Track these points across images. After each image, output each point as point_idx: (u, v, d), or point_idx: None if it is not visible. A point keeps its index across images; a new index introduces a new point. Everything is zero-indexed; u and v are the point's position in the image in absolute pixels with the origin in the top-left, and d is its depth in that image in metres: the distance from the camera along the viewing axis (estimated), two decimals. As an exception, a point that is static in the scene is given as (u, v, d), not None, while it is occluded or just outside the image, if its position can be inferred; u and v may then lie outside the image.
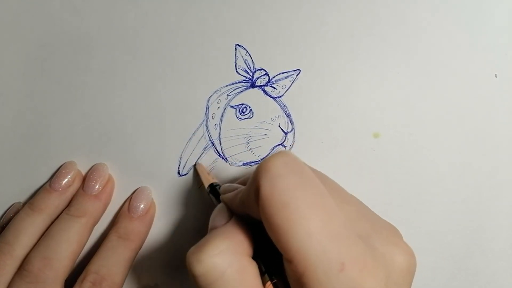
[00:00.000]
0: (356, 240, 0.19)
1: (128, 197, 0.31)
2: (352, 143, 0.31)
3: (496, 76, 0.31)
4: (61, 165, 0.30)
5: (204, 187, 0.29)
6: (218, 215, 0.23)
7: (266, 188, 0.19)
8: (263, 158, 0.31)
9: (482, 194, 0.31)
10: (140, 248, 0.30)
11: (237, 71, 0.31)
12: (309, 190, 0.19)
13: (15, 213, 0.29)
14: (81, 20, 0.31)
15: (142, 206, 0.30)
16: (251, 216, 0.21)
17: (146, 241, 0.30)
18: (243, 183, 0.26)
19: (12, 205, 0.30)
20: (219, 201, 0.25)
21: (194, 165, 0.31)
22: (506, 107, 0.31)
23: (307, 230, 0.18)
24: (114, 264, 0.28)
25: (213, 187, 0.28)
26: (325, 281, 0.18)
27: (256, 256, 0.21)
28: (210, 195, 0.28)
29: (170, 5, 0.31)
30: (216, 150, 0.31)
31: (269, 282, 0.20)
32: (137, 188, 0.31)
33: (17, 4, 0.31)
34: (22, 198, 0.31)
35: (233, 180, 0.31)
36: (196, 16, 0.31)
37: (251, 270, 0.20)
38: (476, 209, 0.31)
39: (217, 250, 0.19)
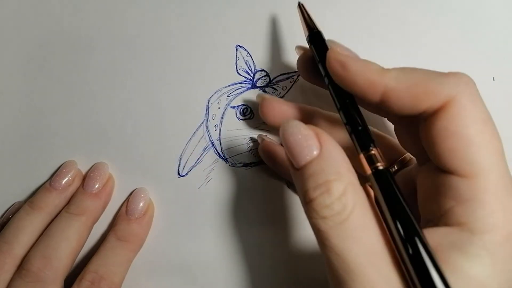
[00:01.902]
0: None
1: (126, 199, 0.31)
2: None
3: (493, 79, 0.31)
4: (62, 164, 0.30)
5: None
6: (304, 141, 0.20)
7: (468, 99, 0.19)
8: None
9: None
10: (139, 249, 0.30)
11: (238, 72, 0.31)
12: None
13: (14, 213, 0.29)
14: (81, 20, 0.31)
15: (139, 207, 0.30)
16: (382, 104, 0.21)
17: (146, 241, 0.30)
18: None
19: (12, 204, 0.30)
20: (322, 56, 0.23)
21: (299, 4, 0.27)
22: (503, 110, 0.31)
23: (498, 149, 0.19)
24: (113, 264, 0.28)
25: (318, 35, 0.25)
26: (502, 198, 0.19)
27: None
28: (312, 45, 0.25)
29: (171, 5, 0.31)
30: (216, 150, 0.31)
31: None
32: (134, 190, 0.31)
33: (17, 4, 0.31)
34: (22, 197, 0.31)
35: (234, 184, 0.31)
36: (197, 17, 0.31)
37: (366, 199, 0.20)
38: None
39: (340, 190, 0.19)
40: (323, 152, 0.20)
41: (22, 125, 0.31)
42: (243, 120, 0.31)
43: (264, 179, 0.31)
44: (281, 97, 0.31)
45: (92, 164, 0.30)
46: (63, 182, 0.29)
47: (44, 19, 0.31)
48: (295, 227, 0.30)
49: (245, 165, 0.31)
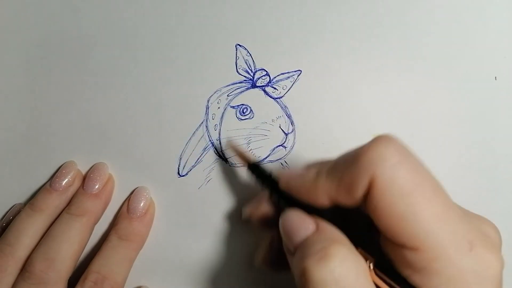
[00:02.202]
0: (471, 221, 0.19)
1: (127, 198, 0.31)
2: (353, 144, 0.31)
3: (495, 79, 0.31)
4: (61, 165, 0.30)
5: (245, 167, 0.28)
6: (300, 222, 0.21)
7: (385, 178, 0.18)
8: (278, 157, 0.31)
9: (481, 196, 0.31)
10: (141, 248, 0.30)
11: (237, 71, 0.31)
12: (427, 176, 0.19)
13: (15, 215, 0.29)
14: (81, 19, 0.31)
15: (140, 206, 0.30)
16: (333, 202, 0.21)
17: (146, 241, 0.30)
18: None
19: (13, 206, 0.30)
20: (267, 183, 0.24)
21: (228, 142, 0.29)
22: (505, 109, 0.31)
23: (435, 213, 0.18)
24: (115, 263, 0.28)
25: (256, 167, 0.26)
26: (458, 261, 0.18)
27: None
28: (253, 175, 0.26)
29: (171, 5, 0.31)
30: (216, 150, 0.31)
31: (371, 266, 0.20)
32: (135, 189, 0.31)
33: (17, 3, 0.31)
34: (22, 198, 0.31)
35: (234, 184, 0.31)
36: (196, 16, 0.31)
37: (365, 266, 0.20)
38: (476, 211, 0.31)
39: (341, 255, 0.19)
40: (320, 226, 0.20)
41: (22, 125, 0.31)
42: (243, 120, 0.31)
43: (264, 179, 0.31)
44: (282, 96, 0.31)
45: (92, 164, 0.30)
46: (63, 183, 0.29)
47: (44, 19, 0.31)
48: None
49: (245, 165, 0.31)
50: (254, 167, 0.27)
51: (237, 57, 0.31)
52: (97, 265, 0.28)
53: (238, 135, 0.31)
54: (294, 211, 0.22)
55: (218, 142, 0.31)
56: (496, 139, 0.31)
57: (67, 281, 0.27)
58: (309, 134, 0.31)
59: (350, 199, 0.20)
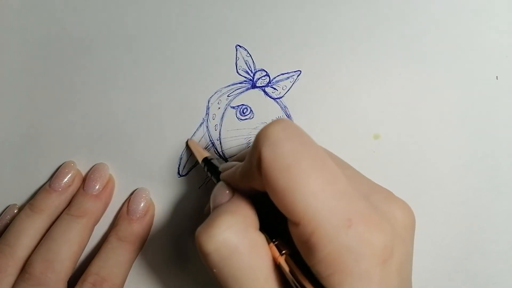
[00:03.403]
0: (360, 198, 0.19)
1: (127, 199, 0.31)
2: (353, 144, 0.31)
3: (497, 78, 0.31)
4: (61, 165, 0.30)
5: (203, 166, 0.29)
6: (220, 192, 0.22)
7: (268, 153, 0.19)
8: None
9: (482, 196, 0.31)
10: (140, 249, 0.30)
11: (237, 72, 0.31)
12: (310, 152, 0.19)
13: (10, 215, 0.30)
14: (81, 20, 0.31)
15: (140, 207, 0.30)
16: (253, 188, 0.21)
17: (145, 242, 0.30)
18: (240, 159, 0.26)
19: (8, 207, 0.30)
20: (216, 176, 0.26)
21: (186, 142, 0.30)
22: (507, 109, 0.31)
23: (312, 189, 0.18)
24: (114, 265, 0.28)
25: (208, 161, 0.28)
26: (335, 238, 0.18)
27: (261, 228, 0.21)
28: (206, 170, 0.28)
29: (171, 5, 0.31)
30: (216, 150, 0.31)
31: (271, 244, 0.21)
32: (135, 190, 0.31)
33: (18, 3, 0.31)
34: (22, 198, 0.31)
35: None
36: (196, 16, 0.31)
37: (260, 242, 0.20)
38: (476, 211, 0.31)
39: (227, 224, 0.19)
40: (232, 199, 0.22)
41: (22, 125, 0.31)
42: (243, 120, 0.31)
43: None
44: (281, 97, 0.31)
45: (92, 164, 0.30)
46: (62, 183, 0.29)
47: (44, 19, 0.31)
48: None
49: (245, 165, 0.31)
50: (206, 161, 0.28)
51: (237, 58, 0.31)
52: (96, 267, 0.28)
53: (238, 135, 0.31)
54: (222, 183, 0.23)
55: (219, 142, 0.31)
56: (497, 139, 0.31)
57: (66, 282, 0.27)
58: (309, 134, 0.31)
59: (254, 182, 0.21)
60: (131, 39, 0.31)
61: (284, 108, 0.31)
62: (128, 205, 0.30)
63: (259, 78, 0.31)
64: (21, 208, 0.30)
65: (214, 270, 0.19)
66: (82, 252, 0.29)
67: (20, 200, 0.31)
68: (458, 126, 0.31)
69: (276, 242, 0.21)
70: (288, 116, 0.31)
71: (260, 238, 0.20)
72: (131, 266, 0.29)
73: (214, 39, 0.30)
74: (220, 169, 0.25)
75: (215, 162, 0.28)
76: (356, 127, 0.31)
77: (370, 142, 0.31)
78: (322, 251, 0.18)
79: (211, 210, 0.22)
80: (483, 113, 0.31)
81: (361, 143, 0.31)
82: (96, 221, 0.30)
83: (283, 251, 0.20)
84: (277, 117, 0.31)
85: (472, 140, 0.31)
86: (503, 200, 0.31)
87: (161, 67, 0.31)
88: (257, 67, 0.31)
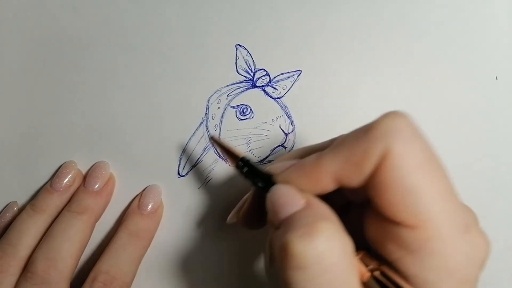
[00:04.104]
0: (467, 206, 0.19)
1: (138, 195, 0.31)
2: (352, 144, 0.31)
3: (496, 78, 0.31)
4: (61, 165, 0.30)
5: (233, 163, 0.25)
6: (291, 197, 0.19)
7: (400, 149, 0.18)
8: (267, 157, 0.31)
9: (482, 196, 0.31)
10: (148, 247, 0.30)
11: (237, 71, 0.31)
12: (434, 153, 0.19)
13: (11, 212, 0.30)
14: (81, 19, 0.31)
15: (152, 203, 0.30)
16: (322, 189, 0.20)
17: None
18: (301, 155, 0.23)
19: (7, 205, 0.30)
20: (256, 178, 0.22)
21: (211, 137, 0.29)
22: (506, 109, 0.31)
23: (440, 192, 0.18)
24: (124, 263, 0.28)
25: (246, 161, 0.24)
26: (454, 242, 0.18)
27: None
28: (243, 172, 0.24)
29: (171, 5, 0.31)
30: (216, 150, 0.31)
31: (358, 257, 0.19)
32: (147, 186, 0.31)
33: (17, 3, 0.31)
34: (23, 198, 0.31)
35: (233, 184, 0.31)
36: (196, 16, 0.31)
37: (353, 254, 0.18)
38: (476, 211, 0.31)
39: (328, 232, 0.17)
40: (311, 203, 0.19)
41: (22, 125, 0.31)
42: (243, 120, 0.31)
43: (264, 179, 0.30)
44: (282, 96, 0.31)
45: (93, 164, 0.30)
46: (63, 183, 0.29)
47: (44, 19, 0.31)
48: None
49: (245, 164, 0.31)
50: (245, 163, 0.24)
51: (237, 57, 0.31)
52: (105, 265, 0.27)
53: (238, 135, 0.31)
54: (285, 185, 0.20)
55: (218, 142, 0.31)
56: (497, 139, 0.31)
57: (69, 280, 0.27)
58: (309, 134, 0.31)
59: (357, 175, 0.19)
60: (131, 39, 0.31)
61: (284, 108, 0.31)
62: (139, 200, 0.30)
63: (259, 78, 0.31)
64: (22, 208, 0.30)
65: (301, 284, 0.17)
66: (84, 249, 0.28)
67: (20, 199, 0.31)
68: (458, 126, 0.31)
69: (360, 255, 0.19)
70: (288, 116, 0.31)
71: (352, 250, 0.18)
72: (139, 264, 0.29)
73: (214, 39, 0.30)
74: (271, 169, 0.22)
75: (253, 162, 0.24)
76: (356, 126, 0.30)
77: (370, 142, 0.31)
78: (438, 255, 0.17)
79: (276, 218, 0.19)
80: (483, 112, 0.31)
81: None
82: (97, 218, 0.30)
83: (370, 265, 0.19)
84: (279, 116, 0.31)
85: (472, 139, 0.31)
86: (502, 200, 0.31)
87: (161, 66, 0.30)
88: (257, 67, 0.31)
